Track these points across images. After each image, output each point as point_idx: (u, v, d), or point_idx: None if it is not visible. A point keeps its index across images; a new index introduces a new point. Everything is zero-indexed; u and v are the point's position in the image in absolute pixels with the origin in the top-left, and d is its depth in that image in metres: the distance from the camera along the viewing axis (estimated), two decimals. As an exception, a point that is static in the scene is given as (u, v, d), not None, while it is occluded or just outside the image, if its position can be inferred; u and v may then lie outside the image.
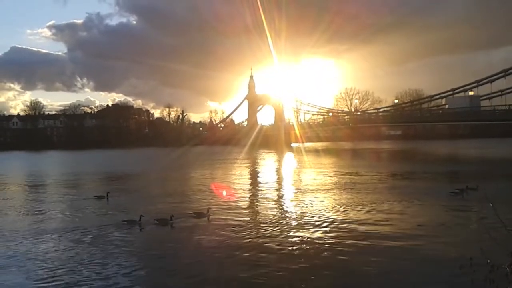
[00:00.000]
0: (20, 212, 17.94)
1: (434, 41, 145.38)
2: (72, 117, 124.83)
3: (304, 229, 13.31)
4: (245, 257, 10.51)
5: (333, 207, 16.82)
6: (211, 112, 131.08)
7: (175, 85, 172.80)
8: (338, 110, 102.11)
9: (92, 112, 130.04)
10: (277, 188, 25.07)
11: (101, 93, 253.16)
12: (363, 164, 39.93)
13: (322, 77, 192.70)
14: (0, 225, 15.18)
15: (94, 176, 34.45)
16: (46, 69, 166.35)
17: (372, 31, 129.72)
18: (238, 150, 66.68)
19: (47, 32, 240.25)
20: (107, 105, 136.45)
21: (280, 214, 15.88)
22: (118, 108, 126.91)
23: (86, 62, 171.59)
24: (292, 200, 19.56)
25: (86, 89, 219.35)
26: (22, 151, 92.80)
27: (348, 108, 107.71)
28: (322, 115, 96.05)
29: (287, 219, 15.12)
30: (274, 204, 18.61)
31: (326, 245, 11.35)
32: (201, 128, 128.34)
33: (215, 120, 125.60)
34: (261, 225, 14.02)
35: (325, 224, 13.76)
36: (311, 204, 17.73)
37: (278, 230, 13.17)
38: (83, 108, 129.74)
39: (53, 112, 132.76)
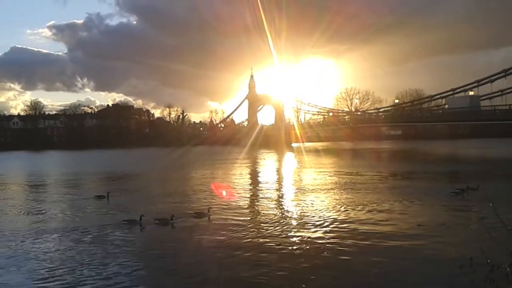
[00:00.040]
0: (20, 212, 17.96)
1: (434, 41, 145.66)
2: (72, 117, 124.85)
3: (305, 229, 13.31)
4: (245, 257, 10.51)
5: (333, 207, 16.83)
6: (211, 112, 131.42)
7: (175, 85, 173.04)
8: (338, 110, 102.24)
9: (93, 112, 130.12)
10: (278, 188, 25.08)
11: (102, 93, 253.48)
12: (363, 164, 39.94)
13: (322, 77, 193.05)
14: (1, 224, 15.21)
15: (95, 176, 34.46)
16: (47, 69, 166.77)
17: (372, 31, 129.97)
18: (239, 150, 66.70)
19: (47, 32, 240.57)
20: (108, 105, 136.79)
21: (280, 214, 15.88)
22: (119, 108, 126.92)
23: (87, 62, 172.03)
24: (292, 200, 19.57)
25: (87, 89, 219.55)
26: (22, 151, 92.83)
27: (348, 108, 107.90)
28: (322, 115, 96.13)
29: (288, 219, 15.14)
30: (275, 204, 18.62)
31: (327, 245, 11.35)
32: (201, 128, 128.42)
33: (215, 120, 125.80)
34: (262, 225, 14.02)
35: (325, 224, 13.77)
36: (311, 204, 17.74)
37: (279, 230, 13.18)
38: (83, 108, 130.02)
39: (54, 112, 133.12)
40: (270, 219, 14.88)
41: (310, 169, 36.52)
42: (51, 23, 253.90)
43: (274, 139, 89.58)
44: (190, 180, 29.94)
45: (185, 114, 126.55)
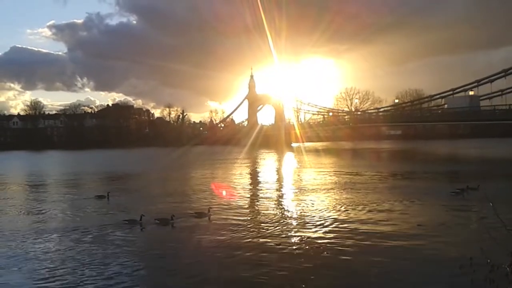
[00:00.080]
0: (20, 211, 17.96)
1: (434, 41, 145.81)
2: (72, 117, 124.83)
3: (305, 228, 13.33)
4: (246, 257, 10.52)
5: (333, 207, 16.84)
6: (211, 112, 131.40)
7: (175, 85, 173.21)
8: (338, 109, 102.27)
9: (92, 112, 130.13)
10: (278, 188, 25.09)
11: (101, 93, 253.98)
12: (363, 164, 39.95)
13: (322, 77, 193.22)
14: (1, 224, 15.21)
15: (95, 176, 34.46)
16: (46, 69, 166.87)
17: (372, 31, 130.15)
18: (238, 150, 66.72)
19: (47, 32, 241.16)
20: (107, 105, 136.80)
21: (280, 214, 15.90)
22: (118, 108, 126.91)
23: (86, 62, 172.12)
24: (292, 200, 19.58)
25: (86, 89, 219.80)
26: (22, 151, 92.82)
27: (348, 108, 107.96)
28: (322, 114, 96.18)
29: (288, 218, 15.15)
30: (275, 203, 18.64)
31: (327, 245, 11.36)
32: (201, 128, 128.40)
33: (215, 120, 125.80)
34: (262, 224, 14.03)
35: (325, 224, 13.77)
36: (311, 203, 17.75)
37: (279, 230, 13.19)
38: (83, 108, 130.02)
39: (53, 112, 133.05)
40: (270, 219, 14.90)
41: (310, 169, 36.53)
42: (51, 22, 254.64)
43: (274, 139, 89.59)
44: (190, 180, 29.95)
45: (185, 114, 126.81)
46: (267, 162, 50.19)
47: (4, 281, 9.28)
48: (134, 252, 11.29)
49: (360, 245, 11.25)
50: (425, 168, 34.13)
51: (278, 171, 38.54)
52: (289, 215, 15.78)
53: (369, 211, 15.84)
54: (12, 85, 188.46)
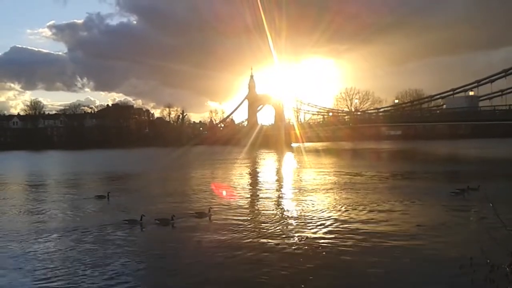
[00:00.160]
0: (20, 211, 17.96)
1: (434, 41, 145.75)
2: (72, 117, 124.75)
3: (305, 229, 13.34)
4: (246, 257, 10.53)
5: (333, 207, 16.85)
6: (211, 112, 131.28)
7: (175, 85, 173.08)
8: (338, 110, 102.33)
9: (92, 112, 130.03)
10: (278, 188, 25.10)
11: (101, 93, 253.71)
12: (363, 164, 39.95)
13: (322, 77, 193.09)
14: (1, 224, 15.22)
15: (95, 176, 34.47)
16: (47, 69, 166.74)
17: (372, 31, 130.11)
18: (238, 150, 66.72)
19: (47, 32, 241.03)
20: (107, 105, 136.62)
21: (281, 214, 15.92)
22: (118, 108, 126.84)
23: (87, 62, 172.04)
24: (292, 200, 19.59)
25: (86, 89, 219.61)
26: (22, 150, 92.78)
27: (348, 108, 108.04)
28: (322, 115, 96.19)
29: (288, 218, 15.17)
30: (275, 204, 18.65)
31: (327, 245, 11.38)
32: (201, 128, 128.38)
33: (215, 120, 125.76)
34: (262, 224, 14.05)
35: (325, 224, 13.79)
36: (311, 204, 17.76)
37: (279, 230, 13.21)
38: (83, 108, 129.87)
39: (53, 112, 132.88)
40: (270, 219, 14.91)
41: (310, 169, 36.54)
42: (51, 23, 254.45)
43: (274, 139, 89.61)
44: (190, 180, 29.96)
45: (185, 114, 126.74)
46: (267, 162, 50.20)
47: (4, 281, 9.28)
48: (135, 252, 11.30)
49: (360, 245, 11.26)
50: (425, 168, 34.14)
51: (278, 171, 38.55)
52: (289, 215, 15.79)
53: (369, 211, 15.85)
54: (12, 85, 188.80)
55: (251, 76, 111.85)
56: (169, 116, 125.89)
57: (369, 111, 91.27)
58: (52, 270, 9.84)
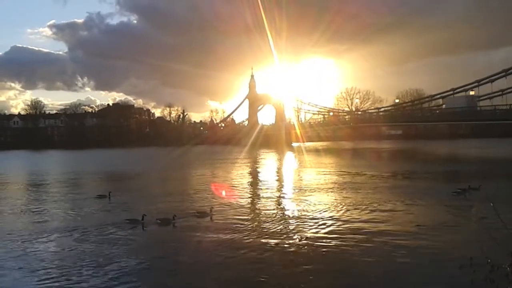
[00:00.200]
0: (21, 211, 17.98)
1: (434, 41, 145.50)
2: (72, 116, 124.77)
3: (306, 228, 13.37)
4: (247, 257, 10.56)
5: (333, 207, 16.87)
6: (211, 111, 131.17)
7: (175, 84, 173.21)
8: (338, 109, 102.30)
9: (93, 111, 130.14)
10: (279, 187, 25.13)
11: (102, 92, 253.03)
12: (364, 164, 39.96)
13: (323, 77, 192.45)
14: (1, 224, 15.25)
15: (95, 176, 34.51)
16: (47, 68, 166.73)
17: (372, 31, 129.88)
18: (239, 149, 66.69)
19: (47, 32, 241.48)
20: (108, 104, 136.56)
21: (282, 214, 15.95)
22: (119, 108, 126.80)
23: (87, 61, 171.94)
24: (293, 200, 19.62)
25: (87, 88, 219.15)
26: (22, 150, 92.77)
27: (348, 107, 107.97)
28: (322, 114, 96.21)
29: (289, 218, 15.18)
30: (276, 203, 18.67)
31: (327, 245, 11.41)
32: (201, 128, 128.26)
33: (215, 120, 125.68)
34: (264, 224, 14.09)
35: (325, 224, 13.82)
36: (312, 203, 17.78)
37: (280, 230, 13.24)
38: (83, 107, 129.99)
39: (54, 111, 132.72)
40: (271, 218, 14.95)
41: (311, 168, 36.57)
42: (51, 22, 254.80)
43: (275, 138, 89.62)
44: (191, 179, 30.00)
45: (185, 113, 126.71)
46: (268, 162, 50.22)
47: (5, 281, 9.31)
48: (136, 251, 11.33)
49: (360, 245, 11.28)
50: (426, 168, 34.15)
51: (279, 171, 38.58)
52: (290, 215, 15.81)
53: (370, 211, 15.87)
54: (12, 84, 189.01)
55: (252, 76, 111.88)
56: (169, 115, 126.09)
57: (370, 111, 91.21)
58: (53, 270, 9.86)
